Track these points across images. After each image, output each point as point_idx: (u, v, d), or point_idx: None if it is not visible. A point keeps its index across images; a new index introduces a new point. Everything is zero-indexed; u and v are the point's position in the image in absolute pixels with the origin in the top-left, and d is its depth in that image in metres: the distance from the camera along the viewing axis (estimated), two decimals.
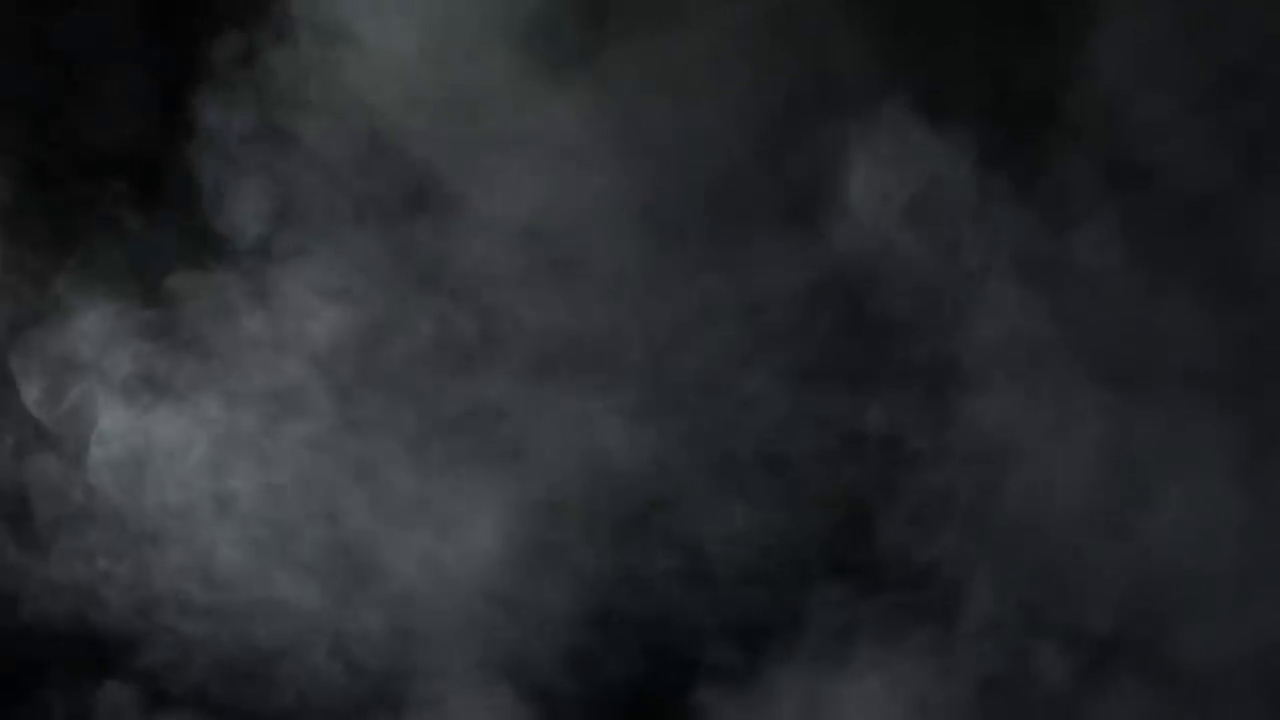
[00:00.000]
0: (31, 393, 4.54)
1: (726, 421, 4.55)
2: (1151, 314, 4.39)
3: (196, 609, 4.55)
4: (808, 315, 4.51)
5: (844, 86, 4.49)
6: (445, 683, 4.54)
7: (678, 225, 4.53)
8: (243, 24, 4.54)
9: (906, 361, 4.50)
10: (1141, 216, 4.39)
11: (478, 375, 4.56)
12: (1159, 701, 4.30)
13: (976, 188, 4.44)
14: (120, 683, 4.52)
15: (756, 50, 4.52)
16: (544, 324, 4.56)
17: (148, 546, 4.53)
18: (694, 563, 4.53)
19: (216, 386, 4.56)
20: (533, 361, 4.56)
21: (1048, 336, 4.43)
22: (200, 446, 4.55)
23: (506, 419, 4.56)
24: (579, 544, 4.55)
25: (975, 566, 4.39)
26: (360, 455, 4.58)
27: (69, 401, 4.54)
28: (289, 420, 4.58)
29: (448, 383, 4.56)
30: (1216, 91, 4.36)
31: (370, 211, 4.57)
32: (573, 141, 4.51)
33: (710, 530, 4.53)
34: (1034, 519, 4.38)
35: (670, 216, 4.53)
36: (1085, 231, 4.42)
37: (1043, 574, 4.37)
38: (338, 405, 4.59)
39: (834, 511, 4.50)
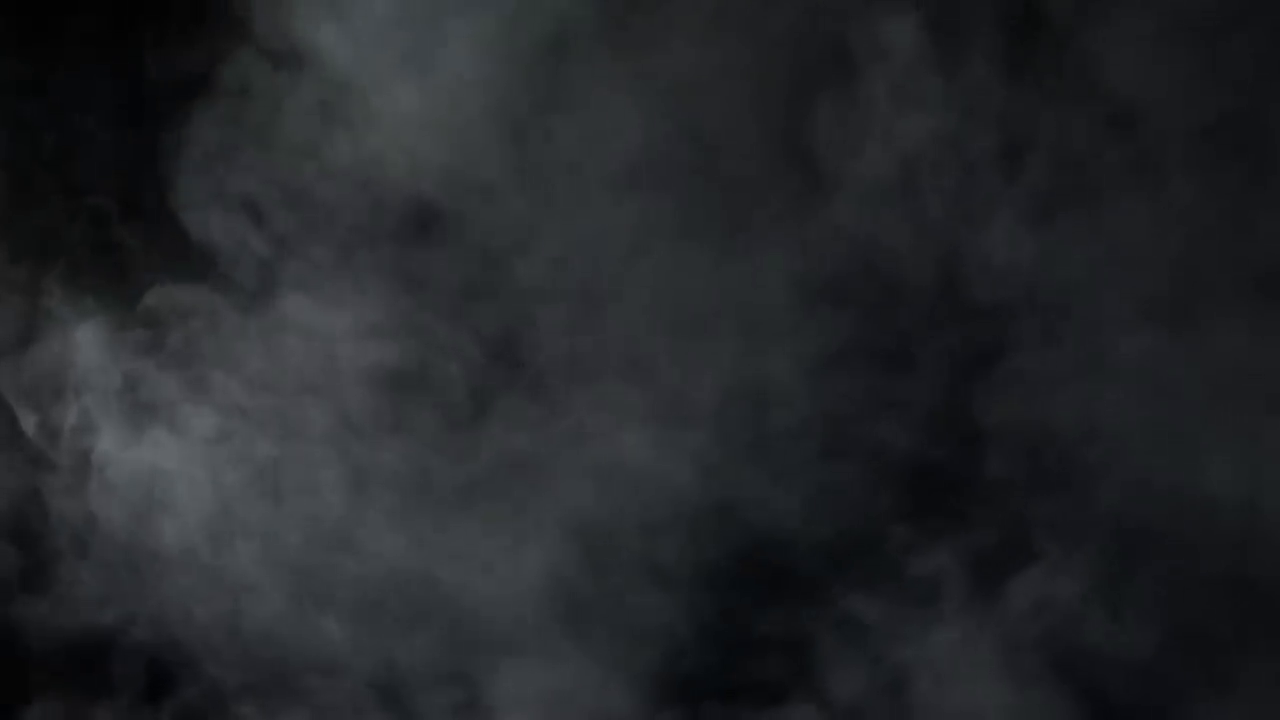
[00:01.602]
0: (28, 417, 4.46)
1: (765, 416, 4.42)
2: (1190, 241, 4.26)
3: (215, 638, 4.44)
4: (831, 292, 4.39)
5: (845, 48, 4.38)
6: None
7: (689, 227, 4.43)
8: (238, 53, 4.49)
9: (941, 322, 4.37)
10: (1163, 145, 4.27)
11: (499, 396, 4.46)
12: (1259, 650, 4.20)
13: (991, 134, 4.33)
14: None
15: (753, 32, 4.43)
16: (562, 340, 4.46)
17: (155, 574, 4.44)
18: (760, 558, 4.41)
19: (216, 407, 4.47)
20: (555, 379, 4.46)
21: (1086, 277, 4.30)
22: (204, 472, 4.46)
23: (533, 442, 4.45)
24: (638, 557, 4.43)
25: (1051, 519, 4.29)
26: (379, 477, 4.47)
27: (67, 426, 4.45)
28: (301, 444, 4.48)
29: (467, 402, 4.46)
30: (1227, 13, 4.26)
31: (377, 237, 4.50)
32: (580, 162, 4.44)
33: (773, 523, 4.40)
34: (1105, 465, 4.27)
35: (682, 220, 4.43)
36: (1108, 166, 4.30)
37: (1120, 522, 4.26)
38: (350, 424, 4.48)
39: (894, 482, 4.38)
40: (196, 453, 4.45)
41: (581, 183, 4.44)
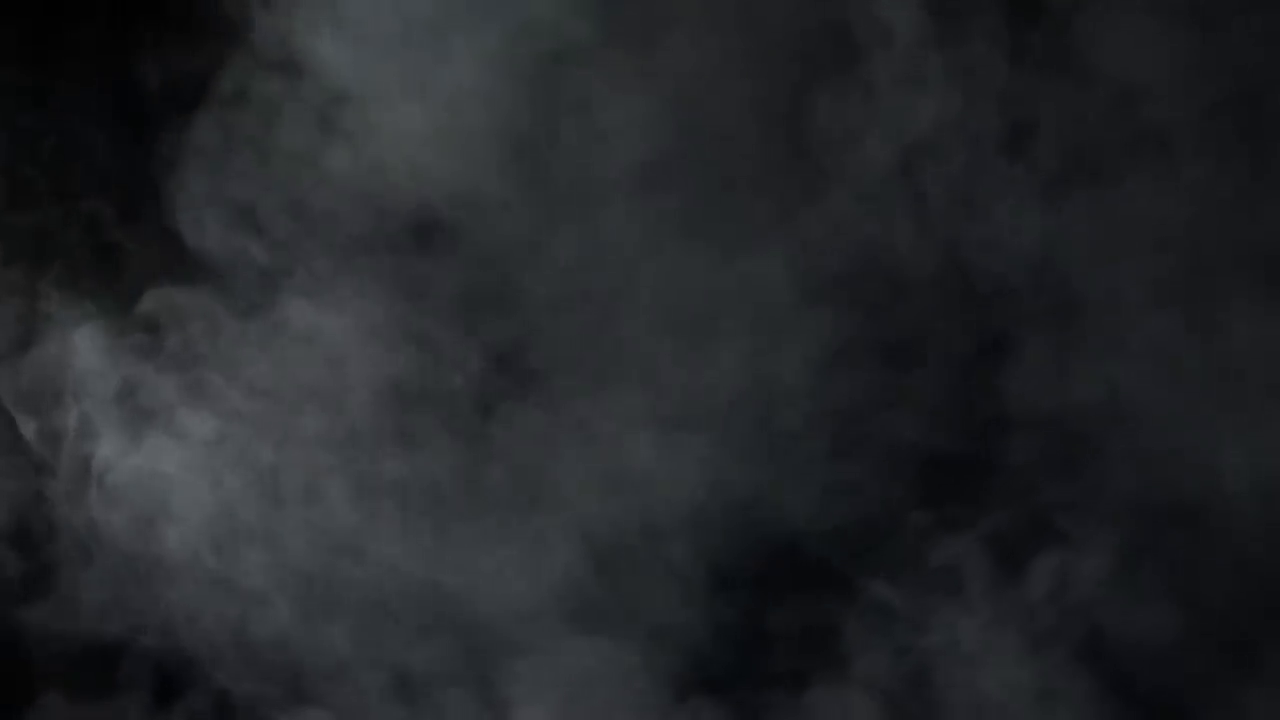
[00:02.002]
0: (28, 423, 4.43)
1: (779, 414, 4.38)
2: (1205, 222, 4.23)
3: (222, 645, 4.40)
4: (841, 285, 4.37)
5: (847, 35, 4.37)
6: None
7: (693, 227, 4.40)
8: (236, 58, 4.47)
9: (951, 310, 4.35)
10: (1172, 124, 4.24)
11: (504, 402, 4.43)
12: None
13: (997, 117, 4.31)
14: None
15: (754, 24, 4.41)
16: (568, 345, 4.43)
17: (160, 580, 4.40)
18: (781, 556, 4.38)
19: (218, 412, 4.44)
20: (561, 385, 4.42)
21: (1098, 260, 4.27)
22: (207, 477, 4.42)
23: (542, 448, 4.42)
24: (656, 560, 4.39)
25: (1071, 504, 4.27)
26: (384, 483, 4.43)
27: (68, 431, 4.42)
28: (304, 450, 4.43)
29: (472, 408, 4.43)
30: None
31: (377, 244, 4.48)
32: (582, 166, 4.42)
33: (792, 520, 4.37)
34: (1125, 449, 4.24)
35: (686, 220, 4.41)
36: (1116, 147, 4.27)
37: (1141, 506, 4.24)
38: (354, 430, 4.45)
39: (913, 474, 4.35)
40: (199, 458, 4.41)
41: (584, 187, 4.41)
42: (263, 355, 4.43)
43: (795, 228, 4.35)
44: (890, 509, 4.33)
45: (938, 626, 4.26)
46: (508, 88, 4.40)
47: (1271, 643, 4.15)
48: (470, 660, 4.38)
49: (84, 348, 4.43)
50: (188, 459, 4.40)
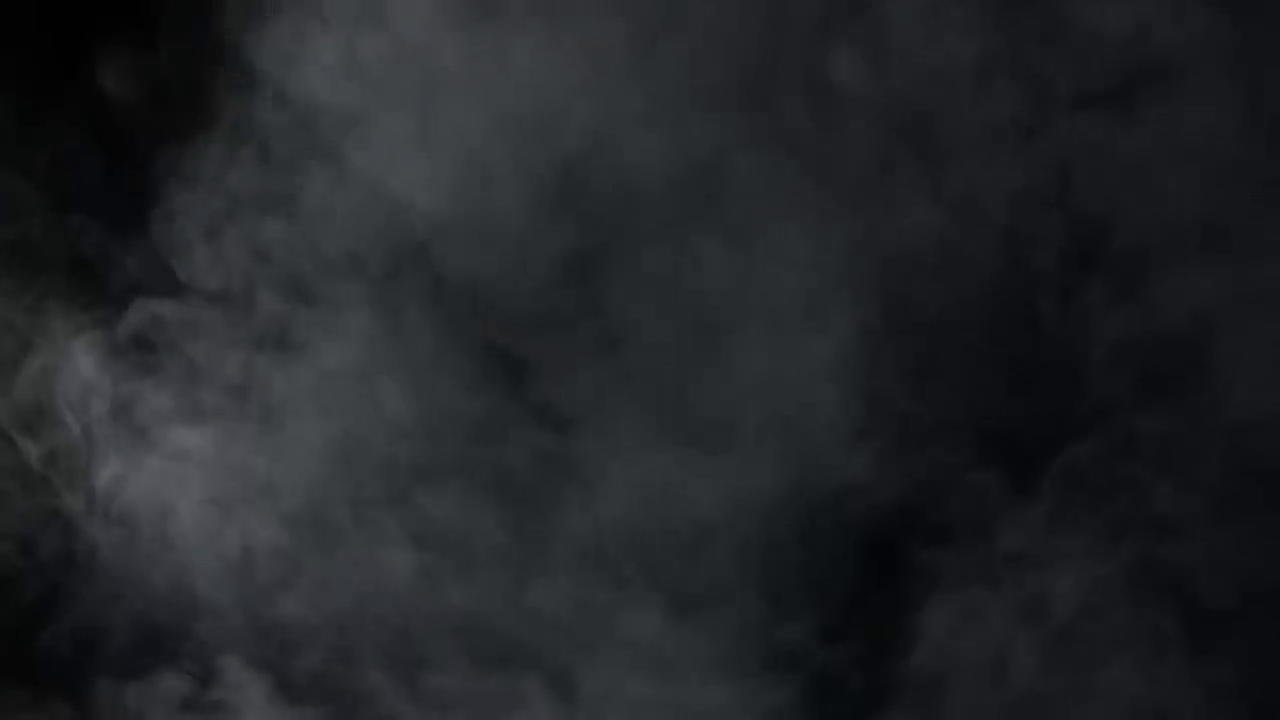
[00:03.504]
0: (29, 444, 4.38)
1: (827, 397, 4.34)
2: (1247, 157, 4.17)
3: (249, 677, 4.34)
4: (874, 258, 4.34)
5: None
6: None
7: (707, 225, 4.38)
8: (231, 76, 4.48)
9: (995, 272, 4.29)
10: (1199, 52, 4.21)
11: (528, 418, 4.38)
12: None
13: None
14: None
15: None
16: (584, 359, 4.38)
17: (172, 597, 4.35)
18: (864, 535, 4.34)
19: (215, 427, 4.39)
20: (583, 401, 4.38)
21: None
22: (203, 491, 4.38)
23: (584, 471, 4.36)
24: (732, 559, 4.34)
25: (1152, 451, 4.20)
26: (388, 499, 4.37)
27: (71, 452, 4.37)
28: (304, 462, 4.38)
29: (493, 426, 4.38)
30: None
31: (374, 255, 4.45)
32: (586, 177, 4.38)
33: (875, 499, 4.33)
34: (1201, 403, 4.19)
35: (701, 218, 4.39)
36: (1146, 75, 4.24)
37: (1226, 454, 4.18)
38: (353, 443, 4.40)
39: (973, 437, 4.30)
40: (198, 470, 4.37)
41: (588, 195, 4.36)
42: (259, 369, 4.39)
43: (815, 208, 4.32)
44: (964, 470, 4.28)
45: (1024, 581, 4.21)
46: (504, 93, 4.38)
47: None
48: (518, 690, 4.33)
49: (79, 361, 4.38)
50: (187, 472, 4.35)
